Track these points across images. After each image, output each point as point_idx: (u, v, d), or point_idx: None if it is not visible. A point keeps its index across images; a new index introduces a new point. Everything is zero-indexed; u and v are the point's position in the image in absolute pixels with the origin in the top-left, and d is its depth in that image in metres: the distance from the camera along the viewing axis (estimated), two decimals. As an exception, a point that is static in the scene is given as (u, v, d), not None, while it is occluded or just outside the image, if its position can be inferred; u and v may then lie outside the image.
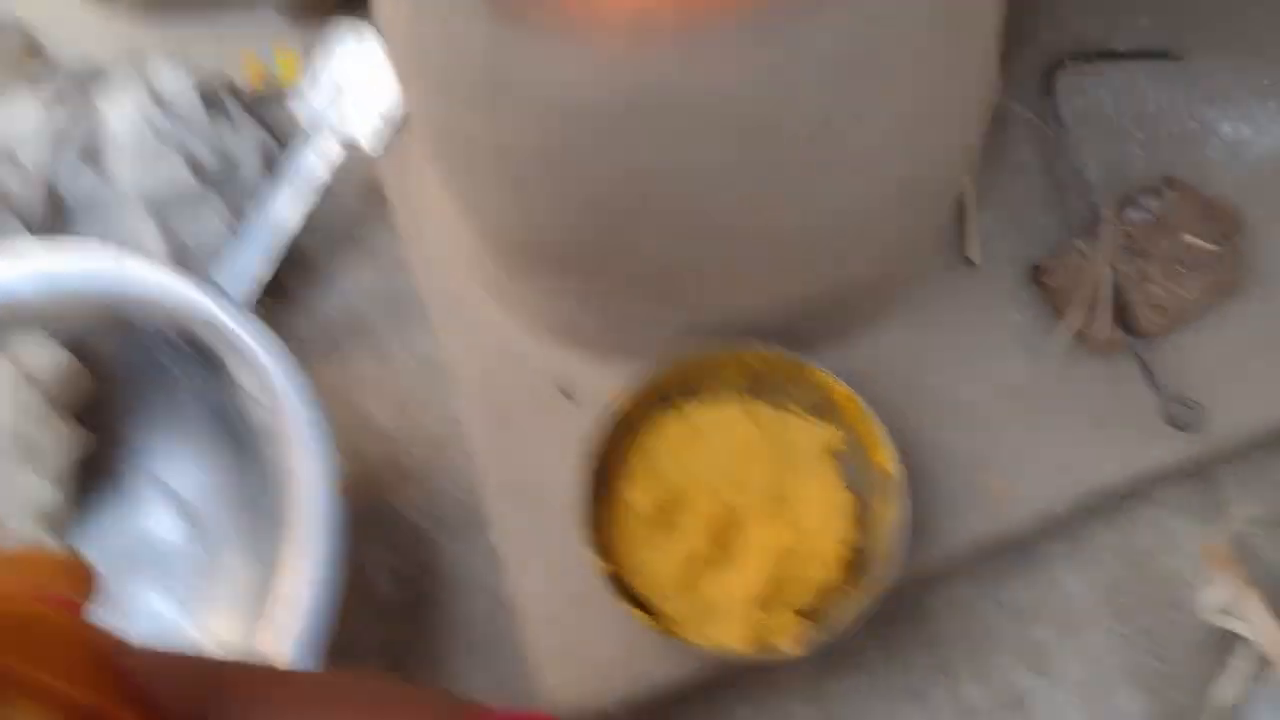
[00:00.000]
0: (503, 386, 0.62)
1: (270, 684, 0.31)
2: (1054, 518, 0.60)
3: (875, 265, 0.59)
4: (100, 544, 0.63)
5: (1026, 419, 0.61)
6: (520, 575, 0.58)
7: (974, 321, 0.63)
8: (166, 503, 0.65)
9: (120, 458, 0.65)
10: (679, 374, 0.58)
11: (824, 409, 0.59)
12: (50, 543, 0.61)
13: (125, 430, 0.65)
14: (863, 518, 0.57)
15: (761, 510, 0.56)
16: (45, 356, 0.60)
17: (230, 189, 0.69)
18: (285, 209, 0.68)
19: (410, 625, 0.63)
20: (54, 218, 0.68)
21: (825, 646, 0.52)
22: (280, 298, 0.72)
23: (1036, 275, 0.63)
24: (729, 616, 0.54)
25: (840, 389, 0.57)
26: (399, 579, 0.65)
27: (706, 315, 0.58)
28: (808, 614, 0.55)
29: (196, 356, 0.61)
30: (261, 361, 0.57)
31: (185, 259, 0.67)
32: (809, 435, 0.59)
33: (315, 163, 0.69)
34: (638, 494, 0.56)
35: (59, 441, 0.60)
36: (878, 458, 0.56)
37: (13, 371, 0.58)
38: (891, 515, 0.55)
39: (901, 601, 0.61)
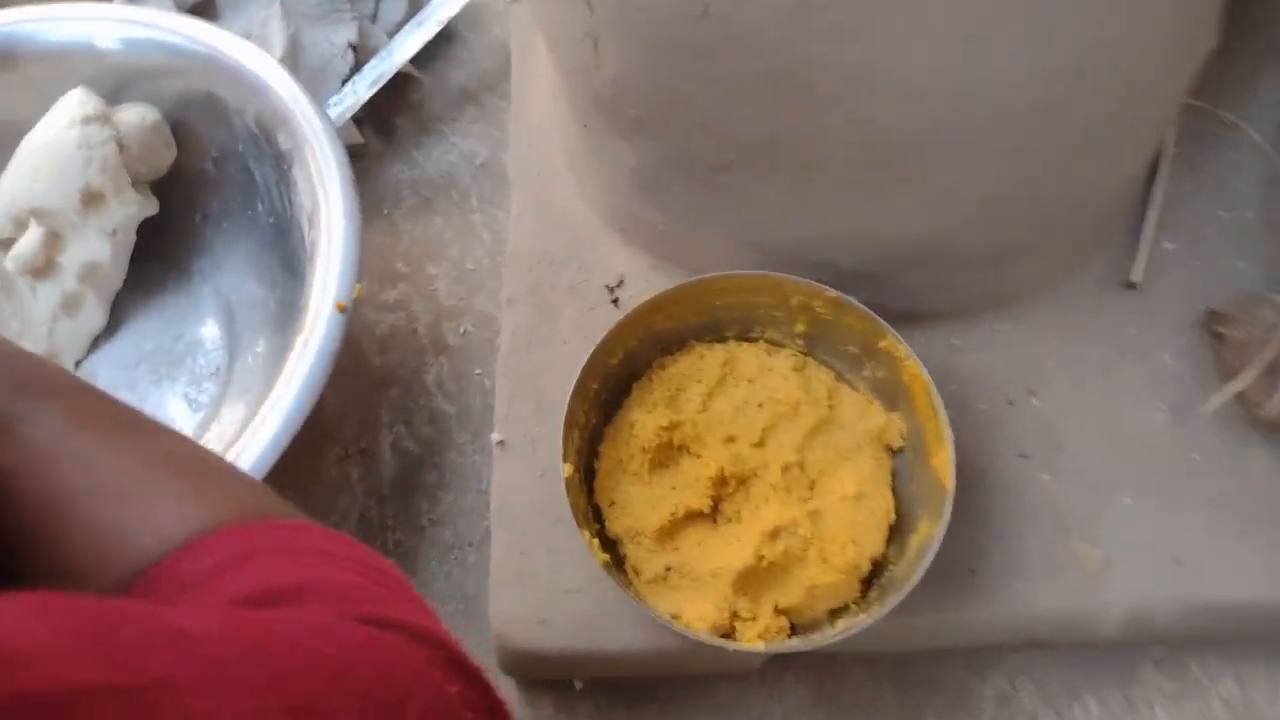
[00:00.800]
0: (555, 274, 0.56)
1: (68, 393, 0.27)
2: (1153, 625, 0.48)
3: (1018, 220, 0.47)
4: (141, 335, 0.62)
5: (1150, 485, 0.48)
6: (504, 484, 0.52)
7: (1114, 351, 0.51)
8: (216, 308, 0.63)
9: (183, 256, 0.64)
10: (729, 298, 0.49)
11: (889, 390, 0.49)
12: (91, 297, 0.61)
13: (192, 228, 0.64)
14: (898, 528, 0.47)
15: (780, 481, 0.47)
16: (135, 114, 0.59)
17: (365, 19, 0.67)
18: (404, 41, 0.66)
19: (392, 502, 0.58)
20: (205, 3, 0.68)
21: (795, 658, 0.42)
22: (388, 139, 0.70)
23: (1211, 321, 0.50)
24: (700, 588, 0.45)
25: (912, 367, 0.47)
26: (399, 452, 0.60)
27: (786, 231, 0.49)
28: (789, 614, 0.45)
29: (270, 155, 0.58)
30: (318, 164, 0.55)
31: (300, 67, 0.66)
32: (862, 415, 0.49)
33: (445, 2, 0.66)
34: (645, 418, 0.48)
35: (122, 198, 0.59)
36: (936, 462, 0.46)
37: (102, 124, 0.57)
38: (930, 534, 0.44)
39: (939, 669, 0.50)
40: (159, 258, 0.64)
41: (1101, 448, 0.49)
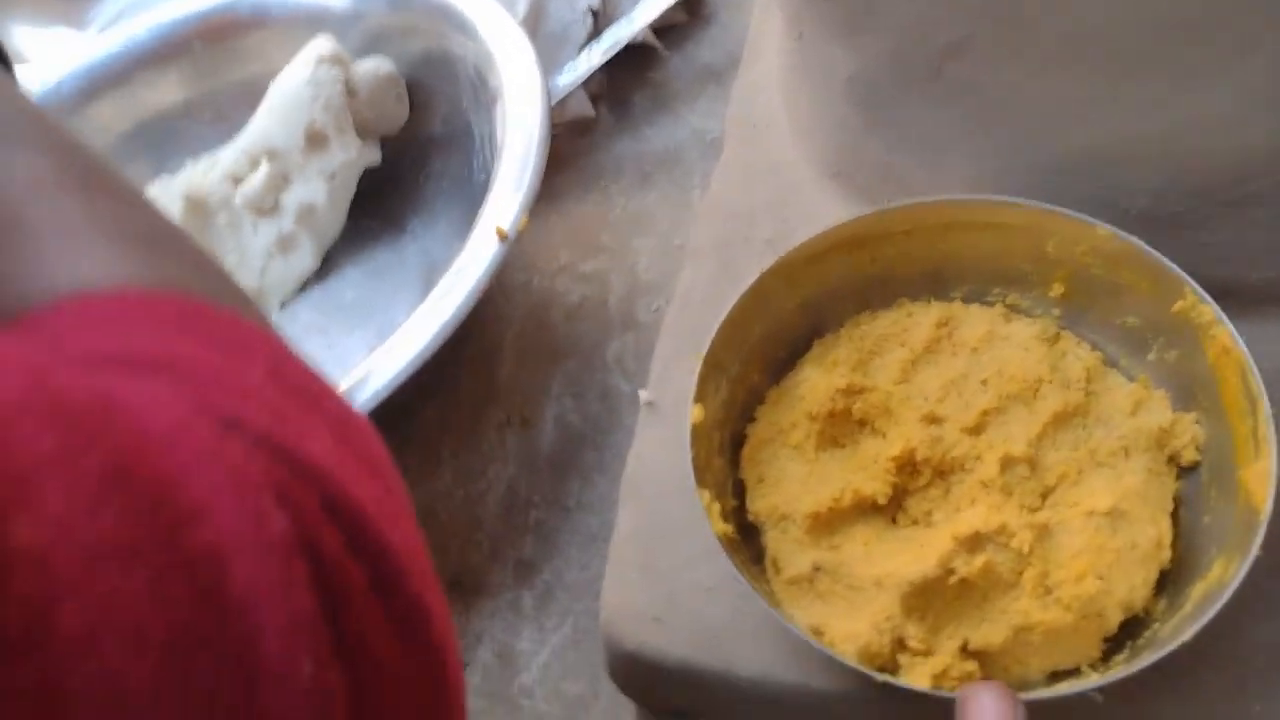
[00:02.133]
0: (751, 228, 0.47)
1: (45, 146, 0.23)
2: None
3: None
4: (345, 284, 0.62)
5: None
6: (643, 451, 0.42)
7: None
8: (420, 266, 0.61)
9: (400, 214, 0.63)
10: (957, 240, 0.37)
11: (1183, 381, 0.34)
12: (305, 240, 0.61)
13: (414, 187, 0.63)
14: (1176, 576, 0.31)
15: (996, 480, 0.33)
16: (371, 64, 0.60)
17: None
18: (645, 6, 0.61)
19: (542, 478, 0.51)
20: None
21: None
22: (621, 115, 0.65)
23: None
24: (857, 599, 0.32)
25: (1221, 338, 0.32)
26: (561, 426, 0.53)
27: (1045, 150, 0.36)
28: (984, 661, 0.31)
29: (485, 103, 0.56)
30: (518, 98, 0.51)
31: (540, 32, 0.64)
32: (1137, 408, 0.34)
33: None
34: (820, 377, 0.37)
35: (343, 141, 0.59)
36: (1248, 475, 0.30)
37: (334, 65, 0.58)
38: (1226, 576, 0.28)
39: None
40: (379, 215, 0.63)
41: None
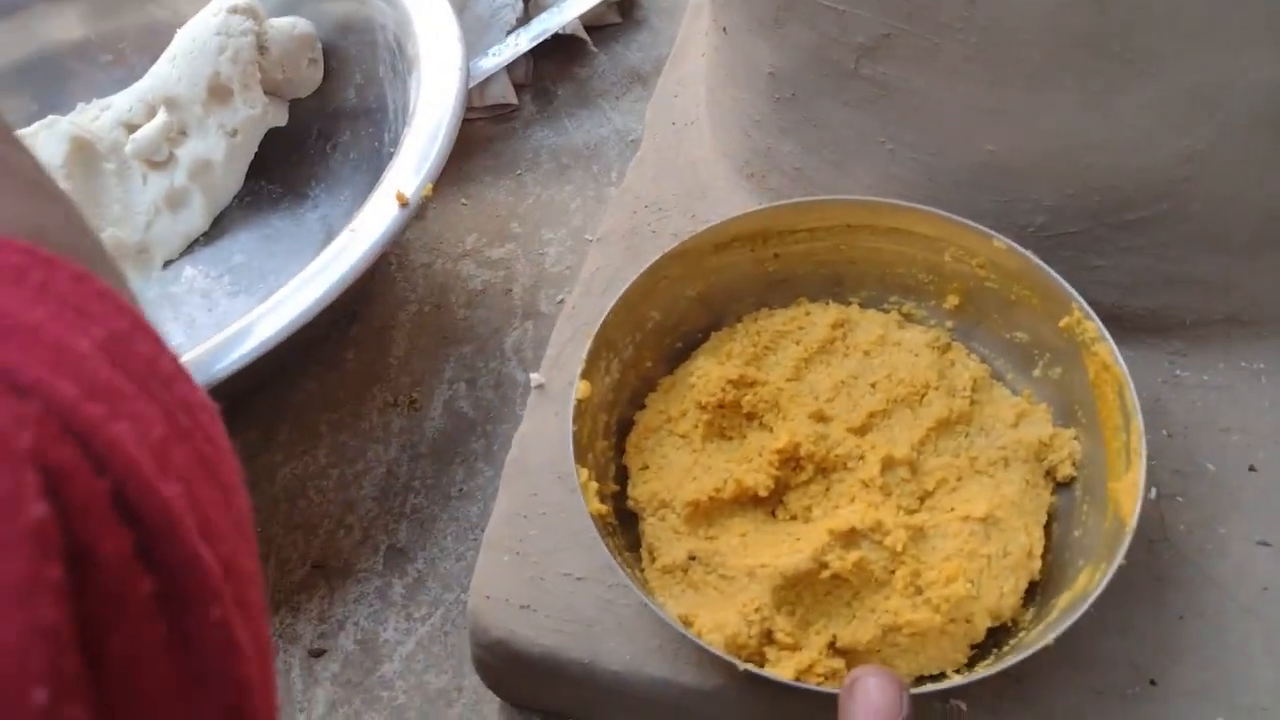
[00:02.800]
0: (661, 220, 0.46)
1: None
2: None
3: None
4: (236, 247, 0.59)
5: None
6: (528, 433, 0.41)
7: None
8: (319, 234, 0.59)
9: (301, 180, 0.61)
10: (860, 243, 0.37)
11: (1065, 399, 0.34)
12: (197, 197, 0.58)
13: (320, 154, 0.61)
14: (1045, 588, 0.31)
15: (876, 480, 0.33)
16: (286, 21, 0.57)
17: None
18: (569, 4, 0.61)
19: (425, 463, 0.49)
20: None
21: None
22: (543, 106, 0.65)
23: None
24: (729, 589, 0.32)
25: (1102, 355, 0.32)
26: (451, 412, 0.51)
27: (954, 158, 0.36)
28: (850, 659, 0.30)
29: (401, 72, 0.54)
30: (435, 67, 0.50)
31: (467, 13, 0.62)
32: (1019, 420, 0.34)
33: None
34: (712, 367, 0.36)
35: (248, 97, 0.56)
36: (1116, 489, 0.30)
37: (247, 17, 0.56)
38: (1090, 585, 0.28)
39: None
40: (280, 180, 0.61)
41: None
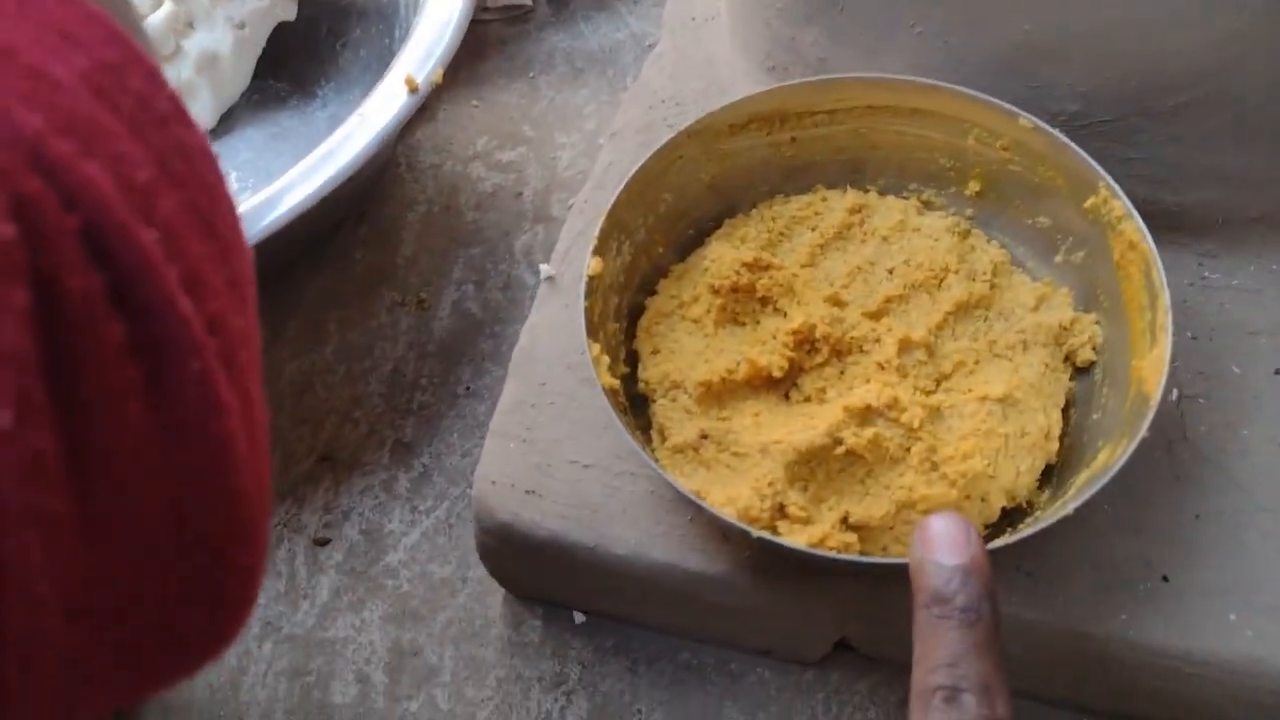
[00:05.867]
0: (677, 115, 0.45)
1: None
2: None
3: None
4: (243, 144, 0.58)
5: None
6: (537, 324, 0.40)
7: None
8: (327, 132, 0.58)
9: (310, 78, 0.59)
10: (880, 125, 0.36)
11: (1087, 283, 0.33)
12: (204, 91, 0.57)
13: (330, 53, 0.60)
14: (1062, 470, 0.31)
15: (893, 361, 0.32)
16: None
17: None
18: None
19: (433, 362, 0.49)
20: None
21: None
22: (559, 8, 0.63)
23: None
24: (741, 466, 0.31)
25: (1128, 234, 0.31)
26: (459, 313, 0.50)
27: (984, 44, 0.35)
28: (864, 535, 0.30)
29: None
30: None
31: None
32: (1039, 304, 0.33)
33: None
34: (726, 251, 0.35)
35: (254, -10, 0.55)
36: (1140, 366, 0.30)
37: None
38: (1110, 461, 0.28)
39: None
40: (288, 78, 0.59)
41: None
